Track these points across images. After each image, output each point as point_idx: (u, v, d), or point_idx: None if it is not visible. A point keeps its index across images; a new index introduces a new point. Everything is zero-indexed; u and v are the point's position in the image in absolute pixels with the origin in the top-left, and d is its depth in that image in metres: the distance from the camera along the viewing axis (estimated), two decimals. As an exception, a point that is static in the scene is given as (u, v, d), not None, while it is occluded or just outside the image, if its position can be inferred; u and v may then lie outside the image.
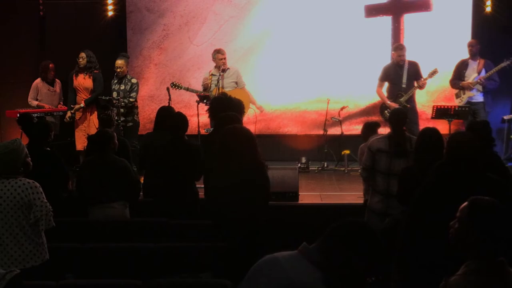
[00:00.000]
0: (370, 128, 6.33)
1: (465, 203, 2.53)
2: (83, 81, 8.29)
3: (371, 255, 2.17)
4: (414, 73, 8.39)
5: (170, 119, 5.88)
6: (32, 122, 6.65)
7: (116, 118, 7.24)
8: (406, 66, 8.39)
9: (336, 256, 2.14)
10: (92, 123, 8.14)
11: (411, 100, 8.43)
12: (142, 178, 6.14)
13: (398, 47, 8.50)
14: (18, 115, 7.72)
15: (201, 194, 5.90)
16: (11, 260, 3.95)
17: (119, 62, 8.27)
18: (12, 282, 2.89)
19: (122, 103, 8.08)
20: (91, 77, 8.28)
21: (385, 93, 8.61)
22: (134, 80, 8.33)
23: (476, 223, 2.45)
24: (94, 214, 5.29)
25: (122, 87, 8.25)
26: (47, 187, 5.28)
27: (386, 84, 8.63)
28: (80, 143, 8.15)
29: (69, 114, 8.30)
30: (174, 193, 5.55)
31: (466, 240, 2.47)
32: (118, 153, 5.51)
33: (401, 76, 8.38)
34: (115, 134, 5.57)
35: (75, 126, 8.36)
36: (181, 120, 5.80)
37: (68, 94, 8.45)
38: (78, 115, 8.28)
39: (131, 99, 8.19)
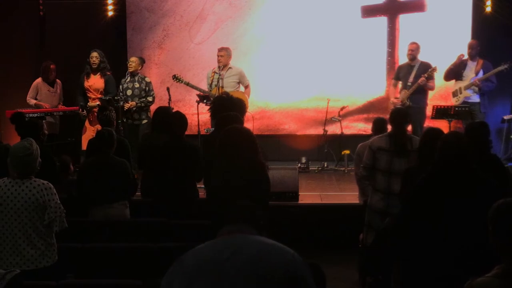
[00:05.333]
0: (381, 125, 6.13)
1: (493, 206, 2.50)
2: (95, 82, 8.23)
3: None
4: (424, 72, 8.34)
5: (168, 119, 5.87)
6: (25, 121, 6.57)
7: (115, 118, 7.22)
8: (417, 65, 8.41)
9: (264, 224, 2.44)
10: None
11: (420, 100, 8.38)
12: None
13: (410, 43, 8.55)
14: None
15: (201, 194, 5.90)
16: (24, 260, 3.96)
17: (133, 58, 8.39)
18: (12, 282, 2.90)
19: (142, 104, 8.16)
20: (103, 78, 8.23)
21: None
22: (147, 79, 8.38)
23: (501, 224, 2.42)
24: (95, 215, 5.29)
25: (137, 85, 8.26)
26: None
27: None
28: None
29: (80, 110, 8.15)
30: (174, 193, 5.53)
31: (498, 242, 2.43)
32: (118, 153, 5.51)
33: (409, 74, 8.41)
34: (114, 134, 5.56)
35: (85, 127, 8.27)
36: (179, 119, 5.76)
37: (78, 97, 8.30)
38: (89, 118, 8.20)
39: (149, 98, 8.27)
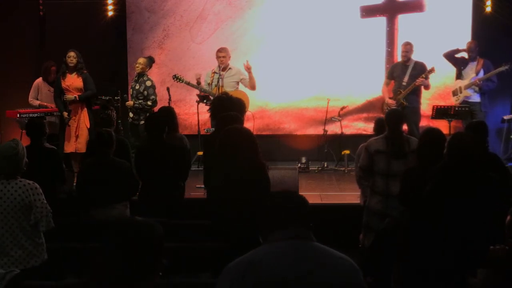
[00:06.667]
0: (383, 124, 5.88)
1: None
2: (74, 81, 7.87)
3: None
4: (419, 73, 8.34)
5: (147, 121, 5.82)
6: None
7: (115, 118, 7.21)
8: (411, 65, 8.42)
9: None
10: (83, 125, 7.79)
11: (414, 100, 8.39)
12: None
13: (403, 43, 8.55)
14: (25, 119, 7.32)
15: (201, 194, 5.89)
16: (12, 260, 3.96)
17: (140, 60, 8.31)
18: (12, 282, 2.90)
19: (140, 106, 8.12)
20: (80, 77, 7.87)
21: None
22: (148, 83, 8.19)
23: None
24: (96, 215, 5.29)
25: (137, 86, 8.22)
26: (45, 186, 5.28)
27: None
28: (71, 145, 7.75)
29: (65, 115, 7.80)
30: (156, 194, 5.47)
31: None
32: (118, 153, 5.51)
33: (404, 74, 8.40)
34: (114, 134, 5.56)
35: (65, 128, 7.89)
36: (157, 119, 5.65)
37: (56, 100, 7.93)
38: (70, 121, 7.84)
39: (148, 102, 8.14)
